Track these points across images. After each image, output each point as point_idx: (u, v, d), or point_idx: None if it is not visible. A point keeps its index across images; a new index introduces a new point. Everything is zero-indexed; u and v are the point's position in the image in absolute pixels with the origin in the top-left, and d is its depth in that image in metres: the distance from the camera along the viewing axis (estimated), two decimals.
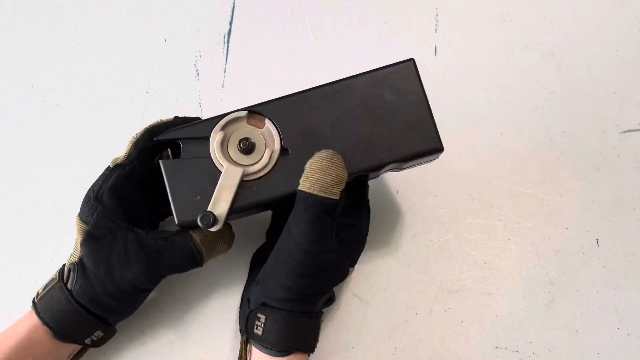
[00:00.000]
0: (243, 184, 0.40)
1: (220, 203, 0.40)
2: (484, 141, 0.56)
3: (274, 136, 0.41)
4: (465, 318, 0.50)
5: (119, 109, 0.58)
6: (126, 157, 0.43)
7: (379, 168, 0.42)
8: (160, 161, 0.41)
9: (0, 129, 0.57)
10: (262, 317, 0.41)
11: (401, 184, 0.54)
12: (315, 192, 0.38)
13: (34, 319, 0.42)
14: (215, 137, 0.41)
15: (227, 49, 0.60)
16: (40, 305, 0.42)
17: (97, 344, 0.45)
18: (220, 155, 0.41)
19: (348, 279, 0.51)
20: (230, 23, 0.61)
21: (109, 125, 0.57)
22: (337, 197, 0.39)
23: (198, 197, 0.40)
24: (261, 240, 0.49)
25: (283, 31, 0.61)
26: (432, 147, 0.42)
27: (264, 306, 0.41)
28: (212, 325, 0.50)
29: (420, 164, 0.44)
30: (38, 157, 0.56)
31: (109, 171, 0.43)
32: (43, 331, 0.42)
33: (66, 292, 0.41)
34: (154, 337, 0.49)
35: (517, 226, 0.53)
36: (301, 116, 0.41)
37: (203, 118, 0.43)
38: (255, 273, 0.46)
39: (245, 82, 0.59)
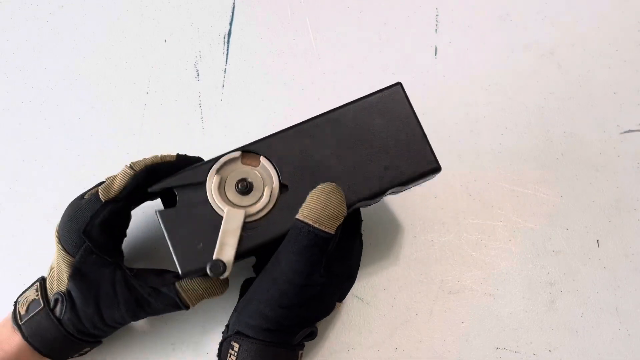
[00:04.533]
0: (245, 226, 0.40)
1: (226, 248, 0.39)
2: (484, 141, 0.56)
3: (272, 173, 0.41)
4: (465, 319, 0.50)
5: (119, 109, 0.58)
6: (120, 191, 0.41)
7: (378, 195, 0.41)
8: (157, 212, 0.40)
9: (0, 129, 0.57)
10: (236, 346, 0.40)
11: None
12: (310, 223, 0.38)
13: (19, 341, 0.41)
14: (212, 182, 0.40)
15: (227, 49, 0.60)
16: (27, 329, 0.41)
17: (83, 354, 0.46)
18: (219, 199, 0.40)
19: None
20: (230, 23, 0.61)
21: (109, 126, 0.57)
22: (332, 232, 0.38)
23: (200, 245, 0.39)
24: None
25: (283, 31, 0.61)
26: (429, 168, 0.42)
27: (238, 335, 0.40)
28: (212, 326, 0.50)
29: (418, 184, 0.44)
30: (38, 157, 0.56)
31: (99, 205, 0.41)
32: (31, 352, 0.42)
33: (56, 322, 0.41)
34: (154, 338, 0.49)
35: (518, 226, 0.53)
36: (296, 151, 0.41)
37: (204, 159, 0.43)
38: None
39: (245, 82, 0.58)
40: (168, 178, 0.41)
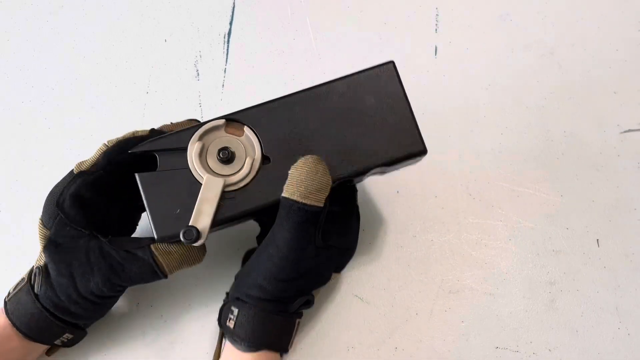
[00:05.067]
0: (224, 195, 0.39)
1: (202, 216, 0.38)
2: (484, 141, 0.56)
3: (254, 144, 0.40)
4: (465, 318, 0.50)
5: (119, 109, 0.58)
6: (92, 165, 0.41)
7: (362, 173, 0.41)
8: (137, 175, 0.39)
9: (0, 129, 0.57)
10: (235, 311, 0.41)
11: (401, 184, 0.54)
12: (298, 199, 0.38)
13: (3, 318, 0.42)
14: (193, 148, 0.39)
15: (227, 49, 0.60)
16: (10, 305, 0.42)
17: (68, 344, 0.45)
18: (199, 166, 0.39)
19: (343, 280, 0.51)
20: (230, 23, 0.61)
21: (109, 125, 0.57)
22: (320, 205, 0.38)
23: (178, 211, 0.39)
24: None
25: (283, 31, 0.61)
26: (415, 150, 0.41)
27: (237, 300, 0.41)
28: (212, 325, 0.50)
29: (404, 166, 0.44)
30: (38, 157, 0.56)
31: (72, 177, 0.42)
32: (11, 330, 0.41)
33: (32, 295, 0.41)
34: (154, 337, 0.49)
35: (518, 226, 0.53)
36: (281, 123, 0.40)
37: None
38: None
39: (245, 82, 0.59)
40: (150, 141, 0.40)
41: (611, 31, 0.60)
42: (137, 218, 0.47)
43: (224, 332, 0.43)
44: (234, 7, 0.62)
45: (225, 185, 0.39)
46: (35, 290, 0.41)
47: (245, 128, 0.40)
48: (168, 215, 0.39)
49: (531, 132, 0.56)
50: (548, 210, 0.54)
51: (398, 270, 0.51)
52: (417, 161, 0.43)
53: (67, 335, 0.43)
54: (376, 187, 0.54)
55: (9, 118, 0.57)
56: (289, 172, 0.39)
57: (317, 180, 0.38)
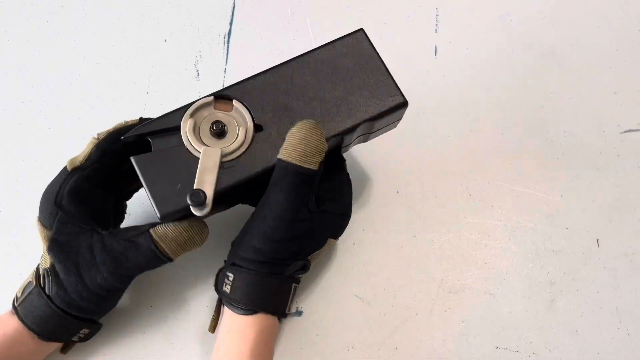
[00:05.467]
0: (222, 165, 0.40)
1: (205, 185, 0.39)
2: (484, 141, 0.56)
3: (245, 115, 0.41)
4: (465, 318, 0.50)
5: (119, 109, 0.58)
6: (85, 160, 0.42)
7: (350, 131, 0.42)
8: (132, 157, 0.40)
9: (0, 129, 0.57)
10: (231, 276, 0.42)
11: (401, 184, 0.54)
12: (293, 161, 0.39)
13: (16, 322, 0.42)
14: (186, 125, 0.40)
15: (227, 49, 0.60)
16: (22, 310, 0.42)
17: (85, 339, 0.45)
18: (195, 140, 0.40)
19: (343, 280, 0.51)
20: (230, 23, 0.61)
21: (109, 126, 0.57)
22: (315, 168, 0.39)
23: (178, 186, 0.39)
24: None
25: (283, 31, 0.61)
26: (397, 102, 0.43)
27: (233, 265, 0.42)
28: None
29: (388, 127, 0.46)
30: (38, 157, 0.56)
31: (66, 174, 0.42)
32: (27, 333, 0.42)
33: (45, 297, 0.41)
34: (154, 337, 0.49)
35: (518, 226, 0.53)
36: (267, 93, 0.42)
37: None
38: None
39: None
40: (140, 126, 0.41)
41: (611, 31, 0.60)
42: (125, 207, 0.48)
43: (221, 297, 0.43)
44: (234, 7, 0.62)
45: (222, 156, 0.40)
46: (47, 292, 0.41)
47: (235, 102, 0.42)
48: (168, 193, 0.39)
49: (531, 132, 0.56)
50: (548, 210, 0.54)
51: (398, 270, 0.51)
52: (399, 117, 0.45)
53: (84, 331, 0.44)
54: (376, 187, 0.54)
55: (9, 118, 0.57)
56: (287, 135, 0.40)
57: (312, 143, 0.39)
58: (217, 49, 0.60)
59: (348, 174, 0.46)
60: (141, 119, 0.43)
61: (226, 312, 0.43)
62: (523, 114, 0.57)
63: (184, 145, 0.40)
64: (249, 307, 0.41)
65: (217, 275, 0.43)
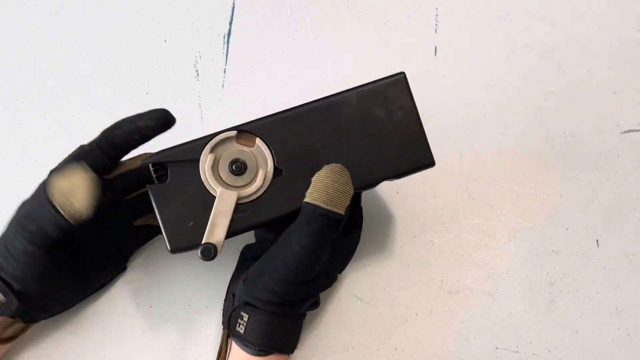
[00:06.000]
0: (237, 207, 0.39)
1: (217, 229, 0.39)
2: (484, 141, 0.56)
3: (266, 156, 0.40)
4: (465, 318, 0.50)
5: (119, 109, 0.58)
6: (90, 142, 0.43)
7: (372, 185, 0.41)
8: (148, 186, 0.40)
9: (0, 129, 0.57)
10: (245, 316, 0.41)
11: (401, 184, 0.54)
12: (321, 205, 0.38)
13: None
14: (206, 160, 0.39)
15: (227, 49, 0.60)
16: None
17: (1, 311, 0.42)
18: (212, 178, 0.39)
19: (343, 280, 0.51)
20: (230, 23, 0.61)
21: (109, 126, 0.57)
22: (342, 212, 0.38)
23: (191, 224, 0.39)
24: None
25: (283, 31, 0.61)
26: (425, 163, 0.42)
27: (247, 305, 0.41)
28: (212, 325, 0.50)
29: (409, 175, 0.44)
30: (38, 157, 0.56)
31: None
32: None
33: None
34: (154, 337, 0.49)
35: (517, 226, 0.53)
36: (292, 134, 0.40)
37: (194, 136, 0.42)
38: (242, 268, 0.46)
39: (245, 82, 0.59)
40: (161, 152, 0.40)
41: (611, 31, 0.60)
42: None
43: (233, 337, 0.43)
44: (233, 7, 0.62)
45: (238, 198, 0.39)
46: None
47: (257, 139, 0.40)
48: (180, 227, 0.39)
49: (531, 132, 0.56)
50: (548, 210, 0.54)
51: (398, 271, 0.51)
52: (422, 170, 0.44)
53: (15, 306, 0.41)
54: (376, 187, 0.54)
55: (9, 118, 0.57)
56: (313, 178, 0.39)
57: (341, 188, 0.38)
58: (216, 49, 0.60)
59: (362, 209, 0.46)
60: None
61: (236, 348, 0.43)
62: (523, 114, 0.57)
63: (201, 180, 0.40)
64: (264, 348, 0.41)
65: (230, 314, 0.42)
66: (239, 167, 0.40)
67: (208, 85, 0.58)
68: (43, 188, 0.41)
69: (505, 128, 0.56)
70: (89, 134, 0.57)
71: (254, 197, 0.40)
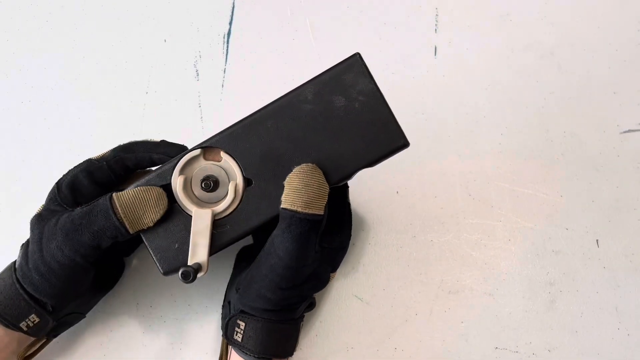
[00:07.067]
0: (216, 223, 0.40)
1: (198, 248, 0.39)
2: (484, 141, 0.56)
3: (234, 168, 0.40)
4: (465, 318, 0.50)
5: (119, 109, 0.58)
6: (100, 156, 0.43)
7: (348, 177, 0.40)
8: None
9: (0, 129, 0.57)
10: (242, 324, 0.41)
11: (401, 184, 0.54)
12: (298, 209, 0.37)
13: None
14: (177, 183, 0.40)
15: (227, 49, 0.60)
16: None
17: (34, 332, 0.42)
18: (186, 199, 0.39)
19: (343, 280, 0.51)
20: (230, 23, 0.61)
21: (109, 126, 0.57)
22: (321, 213, 0.38)
23: (176, 246, 0.40)
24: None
25: (283, 31, 0.61)
26: (398, 145, 0.39)
27: (243, 313, 0.41)
28: (211, 325, 0.50)
29: (385, 159, 0.42)
30: (38, 157, 0.56)
31: (83, 164, 0.43)
32: None
33: (13, 269, 0.41)
34: (154, 338, 0.49)
35: (517, 226, 0.53)
36: (254, 141, 0.39)
37: (188, 146, 0.42)
38: (237, 272, 0.46)
39: (245, 82, 0.59)
40: (134, 184, 0.40)
41: (611, 31, 0.60)
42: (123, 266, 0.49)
43: (232, 345, 0.43)
44: (233, 7, 0.62)
45: (214, 214, 0.39)
46: (17, 265, 0.41)
47: (222, 153, 0.40)
48: (168, 251, 0.40)
49: (531, 132, 0.56)
50: (548, 210, 0.53)
51: (398, 271, 0.51)
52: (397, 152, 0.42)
53: (33, 318, 0.41)
54: (376, 187, 0.54)
55: (9, 118, 0.57)
56: (286, 182, 0.38)
57: (315, 187, 0.37)
58: (216, 49, 0.60)
59: (349, 204, 0.46)
60: (162, 142, 0.43)
61: (235, 356, 0.43)
62: (523, 114, 0.57)
63: (176, 203, 0.40)
64: (263, 355, 0.41)
65: (227, 323, 0.43)
66: (208, 185, 0.40)
67: (208, 85, 0.58)
68: (107, 201, 0.39)
69: (505, 128, 0.56)
70: (89, 134, 0.57)
71: (230, 210, 0.40)
